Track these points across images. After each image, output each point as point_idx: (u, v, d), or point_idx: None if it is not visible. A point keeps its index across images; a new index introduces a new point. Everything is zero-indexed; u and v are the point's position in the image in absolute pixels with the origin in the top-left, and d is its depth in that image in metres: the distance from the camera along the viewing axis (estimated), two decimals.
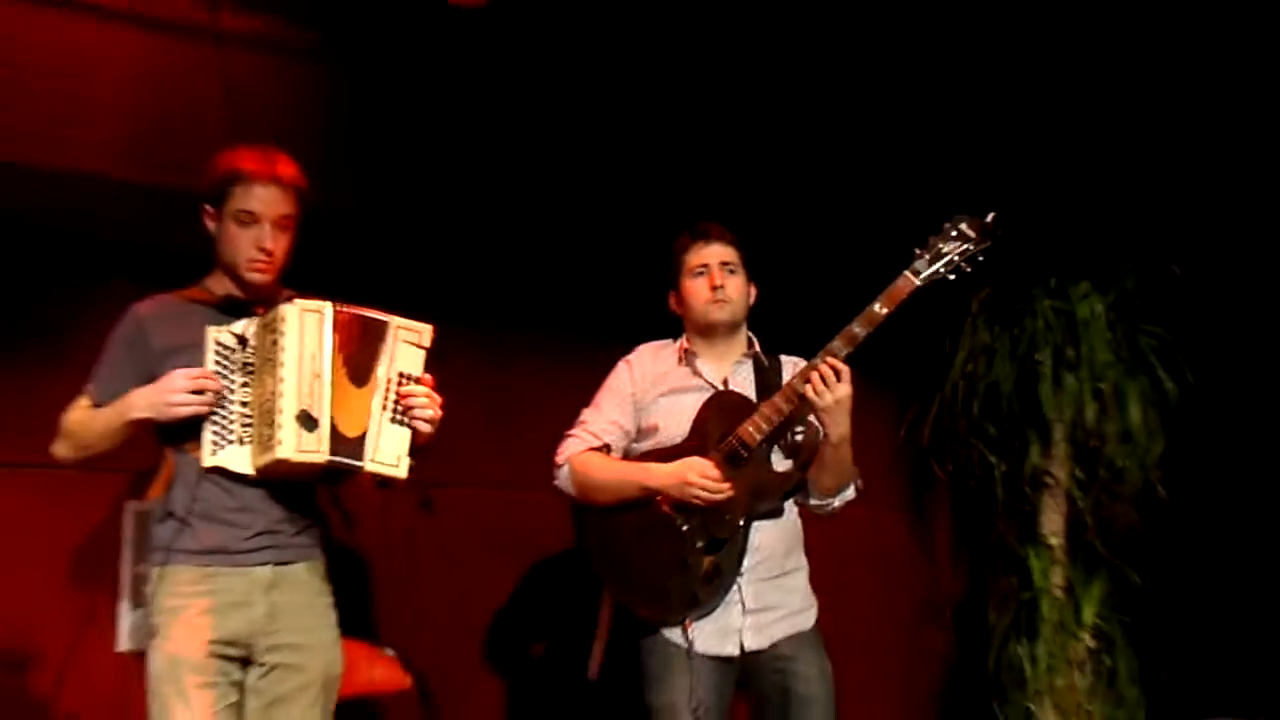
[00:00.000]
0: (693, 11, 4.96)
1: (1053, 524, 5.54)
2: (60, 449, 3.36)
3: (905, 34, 5.11)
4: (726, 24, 5.04)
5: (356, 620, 4.36)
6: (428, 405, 3.29)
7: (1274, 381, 5.46)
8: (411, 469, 3.30)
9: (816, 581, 3.93)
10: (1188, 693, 5.33)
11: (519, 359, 5.09)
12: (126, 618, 4.28)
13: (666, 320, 4.07)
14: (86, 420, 3.31)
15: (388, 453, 3.25)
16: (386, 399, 3.26)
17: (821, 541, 4.04)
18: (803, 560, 3.92)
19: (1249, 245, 5.38)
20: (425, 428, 3.30)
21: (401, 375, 3.28)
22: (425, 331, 3.33)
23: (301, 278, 3.40)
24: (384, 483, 3.33)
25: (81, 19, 4.38)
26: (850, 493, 3.91)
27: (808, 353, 3.82)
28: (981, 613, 5.66)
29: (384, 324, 3.28)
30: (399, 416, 3.27)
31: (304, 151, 3.57)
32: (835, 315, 3.74)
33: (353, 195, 4.70)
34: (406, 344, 3.30)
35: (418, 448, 3.31)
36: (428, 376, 3.33)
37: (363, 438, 3.22)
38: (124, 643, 4.25)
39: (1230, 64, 5.00)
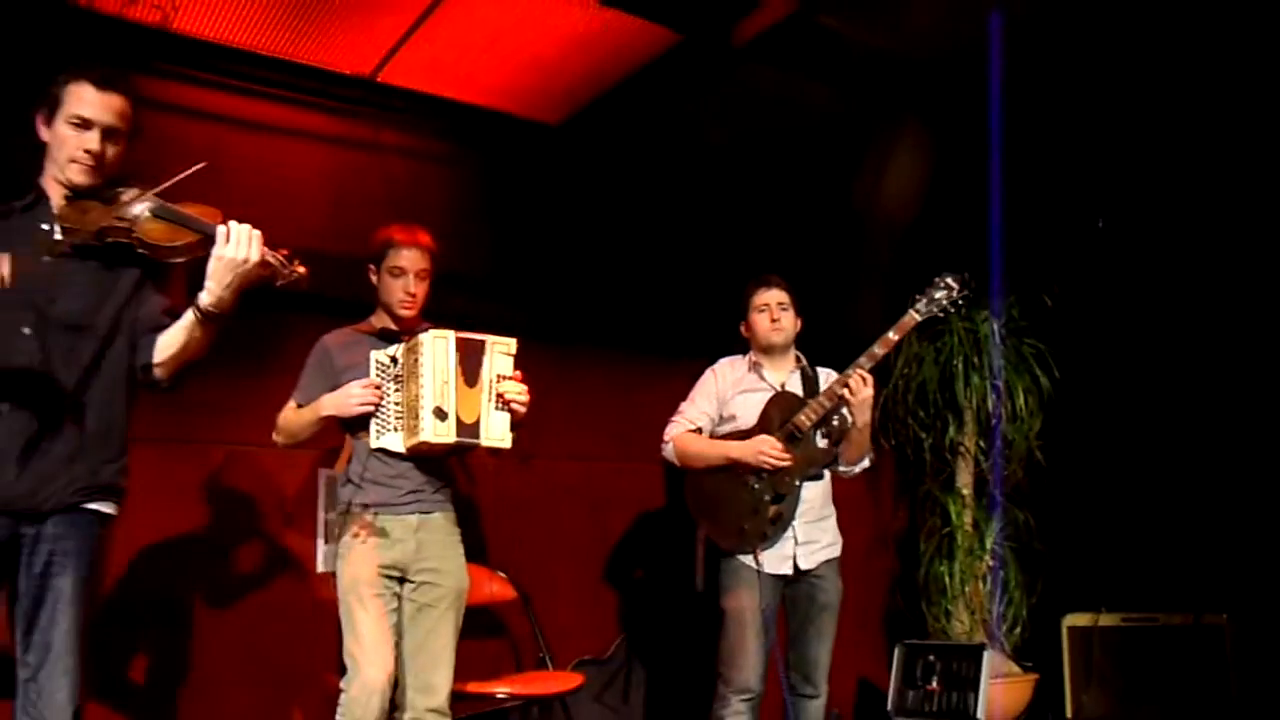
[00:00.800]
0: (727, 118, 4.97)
1: (964, 479, 5.51)
2: (277, 438, 3.44)
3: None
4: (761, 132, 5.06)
5: (478, 551, 4.44)
6: (520, 394, 3.32)
7: (1115, 378, 5.41)
8: (514, 440, 3.33)
9: None
10: (1056, 594, 5.31)
11: (593, 369, 5.08)
12: (321, 550, 4.31)
13: (698, 342, 4.17)
14: (293, 418, 3.39)
15: (496, 431, 3.28)
16: (490, 393, 3.28)
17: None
18: (833, 510, 3.98)
19: (1097, 281, 5.35)
20: (519, 410, 3.33)
21: (499, 376, 3.30)
22: (512, 343, 3.35)
23: (449, 318, 3.45)
24: (495, 452, 3.35)
25: (284, 140, 4.46)
26: (866, 463, 4.01)
27: (834, 365, 3.98)
28: (915, 542, 5.65)
29: (482, 342, 3.30)
30: (500, 405, 3.29)
31: (444, 230, 3.64)
32: (855, 340, 3.86)
33: (480, 261, 4.73)
34: (500, 354, 3.32)
35: (516, 424, 3.33)
36: (517, 374, 3.34)
37: (478, 422, 3.25)
38: (320, 566, 4.28)
39: (1078, 142, 4.98)
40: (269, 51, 4.33)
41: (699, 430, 3.95)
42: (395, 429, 3.28)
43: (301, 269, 2.65)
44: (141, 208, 2.57)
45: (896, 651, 5.02)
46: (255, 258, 2.55)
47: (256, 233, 2.57)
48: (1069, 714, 5.05)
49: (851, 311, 4.22)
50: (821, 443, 3.89)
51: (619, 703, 4.87)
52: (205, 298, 2.56)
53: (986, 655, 4.77)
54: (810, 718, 3.86)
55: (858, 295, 4.82)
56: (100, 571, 2.63)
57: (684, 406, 4.01)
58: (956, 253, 5.05)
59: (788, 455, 3.75)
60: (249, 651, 4.12)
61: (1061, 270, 5.37)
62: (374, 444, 3.29)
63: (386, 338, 3.41)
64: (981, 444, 5.48)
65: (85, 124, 2.58)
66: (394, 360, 3.30)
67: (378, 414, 3.28)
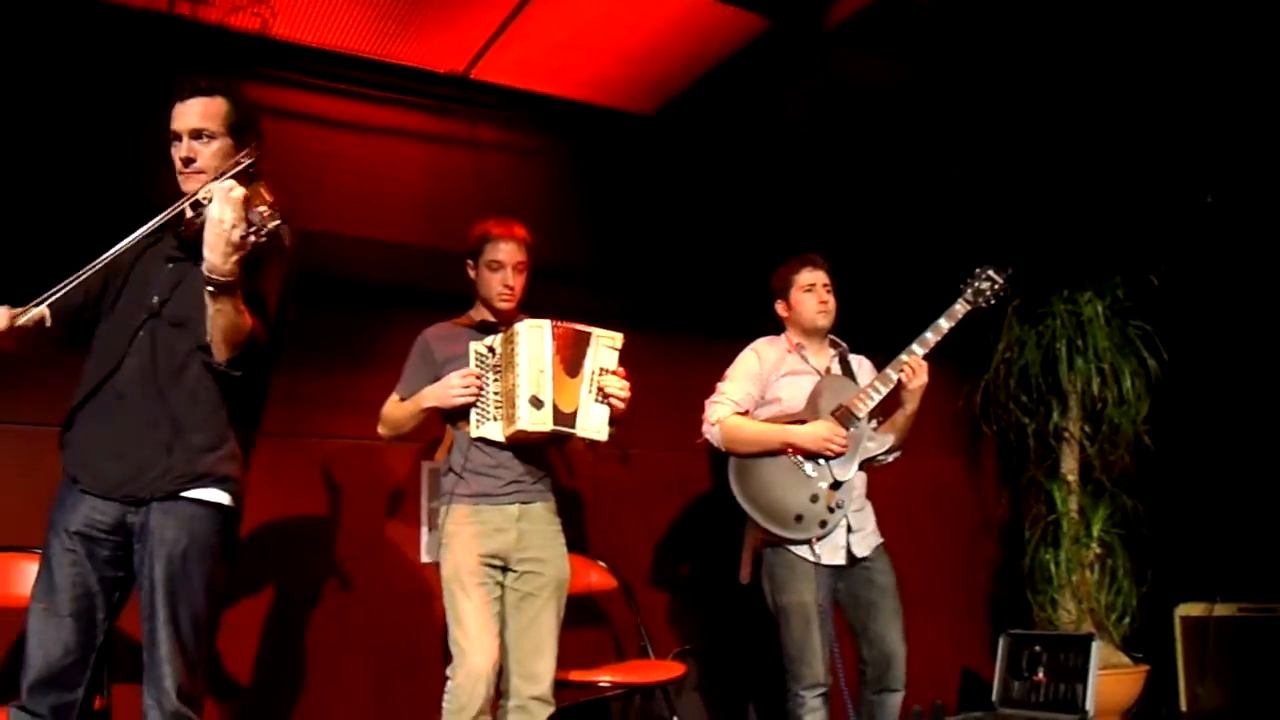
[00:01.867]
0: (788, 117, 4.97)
1: (1069, 465, 5.41)
2: (382, 430, 3.51)
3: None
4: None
5: (579, 541, 4.47)
6: (620, 389, 3.34)
7: (1228, 359, 5.28)
8: (611, 434, 3.36)
9: (905, 511, 3.95)
10: (1167, 583, 5.20)
11: (691, 357, 4.95)
12: (425, 539, 4.37)
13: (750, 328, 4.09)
14: (396, 410, 3.45)
15: (594, 423, 3.31)
16: (591, 385, 3.31)
17: (906, 482, 4.05)
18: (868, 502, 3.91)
19: (1205, 259, 5.23)
20: (619, 405, 3.36)
21: (602, 369, 3.33)
22: (618, 338, 3.38)
23: (549, 310, 3.47)
24: (591, 444, 3.38)
25: (381, 138, 4.54)
26: (899, 453, 3.91)
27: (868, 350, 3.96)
28: (1019, 530, 5.55)
29: (588, 334, 3.34)
30: (600, 398, 3.32)
31: (542, 223, 3.68)
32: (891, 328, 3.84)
33: (579, 252, 4.77)
34: (605, 347, 3.35)
35: (615, 419, 3.36)
36: (621, 369, 3.37)
37: (575, 413, 3.28)
38: (424, 556, 4.35)
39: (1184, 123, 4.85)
40: (365, 53, 4.43)
41: (745, 413, 3.81)
42: (494, 418, 3.32)
43: (275, 223, 2.50)
44: (207, 200, 2.58)
45: (1001, 641, 4.92)
46: (229, 217, 2.46)
47: (234, 192, 2.49)
48: (1183, 707, 4.95)
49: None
50: (874, 428, 3.83)
51: (718, 692, 4.85)
52: (203, 267, 2.52)
53: (1095, 646, 4.64)
54: (890, 714, 3.71)
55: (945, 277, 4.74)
56: (211, 561, 2.65)
57: (724, 386, 3.85)
58: (1056, 232, 5.04)
59: (849, 442, 3.70)
60: (359, 638, 4.23)
61: (1169, 248, 5.26)
62: (474, 433, 3.33)
63: (485, 330, 3.45)
64: (1087, 429, 5.37)
65: (176, 136, 2.72)
66: (492, 350, 3.34)
67: (477, 404, 3.32)
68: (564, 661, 3.50)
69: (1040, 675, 4.76)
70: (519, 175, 4.80)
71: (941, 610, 5.39)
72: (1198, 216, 5.15)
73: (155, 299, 2.70)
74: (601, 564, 4.45)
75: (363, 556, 4.31)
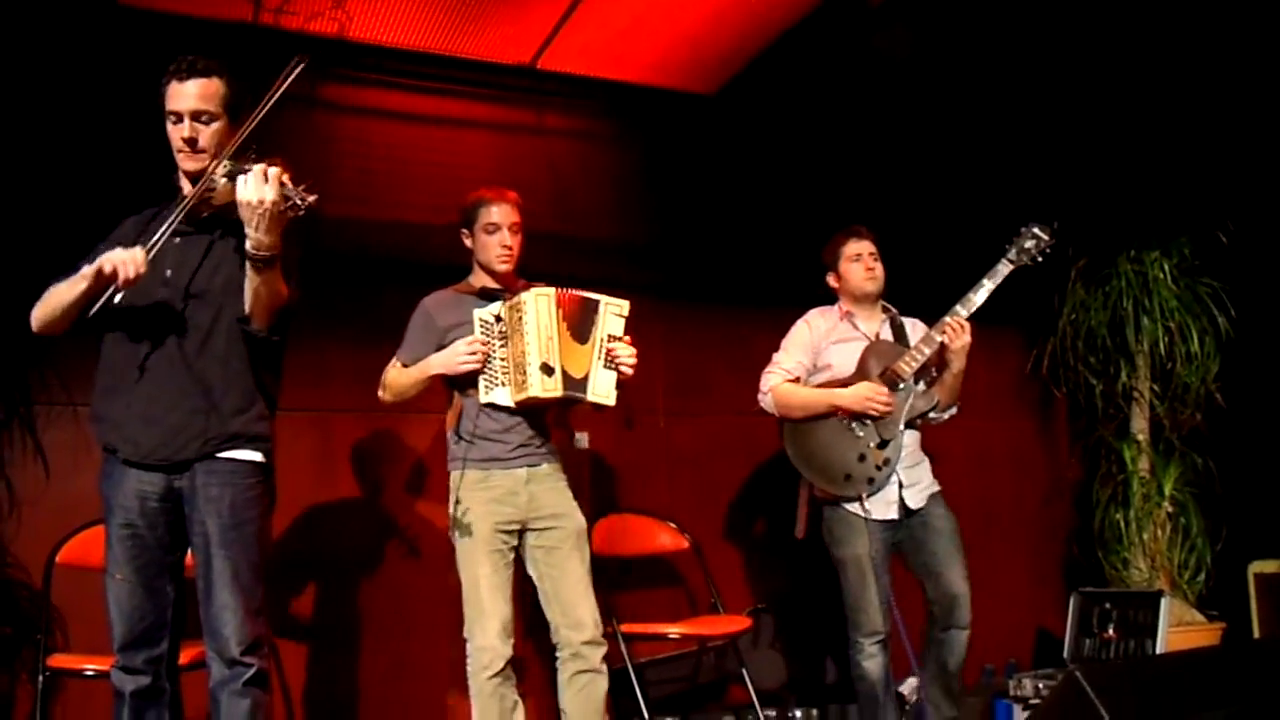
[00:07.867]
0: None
1: (1139, 425, 5.21)
2: (384, 395, 3.45)
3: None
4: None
5: (651, 503, 4.59)
6: (629, 357, 3.32)
7: None
8: (618, 399, 3.34)
9: (975, 476, 3.92)
10: (1242, 540, 5.03)
11: (754, 327, 4.89)
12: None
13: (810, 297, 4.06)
14: (400, 376, 3.40)
15: (602, 388, 3.29)
16: (600, 351, 3.28)
17: (981, 445, 4.00)
18: (925, 456, 3.89)
19: (1275, 216, 4.98)
20: (628, 371, 3.32)
21: (610, 335, 3.30)
22: (624, 305, 3.36)
23: (613, 285, 3.52)
24: (599, 408, 3.35)
25: (454, 129, 4.67)
26: (954, 410, 3.87)
27: (922, 313, 3.89)
28: (1090, 490, 5.39)
29: (596, 301, 3.31)
30: (609, 364, 3.29)
31: (605, 204, 3.71)
32: (942, 289, 3.77)
33: (643, 230, 4.85)
34: (613, 315, 3.32)
35: (621, 384, 3.33)
36: (627, 337, 3.34)
37: (585, 378, 3.25)
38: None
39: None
40: (436, 50, 4.51)
41: (796, 380, 3.85)
42: (503, 384, 3.27)
43: (312, 198, 2.54)
44: (220, 174, 2.60)
45: (1072, 600, 4.83)
46: (270, 197, 2.48)
47: (273, 171, 2.51)
48: None
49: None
50: (921, 389, 3.79)
51: (795, 649, 4.84)
52: (247, 243, 2.56)
53: (1164, 602, 4.54)
54: (956, 651, 3.71)
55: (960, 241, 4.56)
56: (253, 515, 2.71)
57: (778, 357, 3.89)
58: (1120, 192, 4.87)
59: (892, 400, 3.69)
60: (398, 603, 4.27)
61: (1236, 206, 5.01)
62: (484, 399, 3.27)
63: (488, 296, 3.39)
64: (1156, 388, 5.17)
65: (177, 116, 2.70)
66: (498, 318, 3.28)
67: (485, 371, 3.27)
68: (638, 619, 3.53)
69: (1110, 632, 4.69)
70: (586, 158, 4.85)
71: (1016, 571, 5.29)
72: (1265, 172, 4.91)
73: (169, 273, 2.70)
74: (672, 525, 4.46)
75: (394, 525, 4.32)
